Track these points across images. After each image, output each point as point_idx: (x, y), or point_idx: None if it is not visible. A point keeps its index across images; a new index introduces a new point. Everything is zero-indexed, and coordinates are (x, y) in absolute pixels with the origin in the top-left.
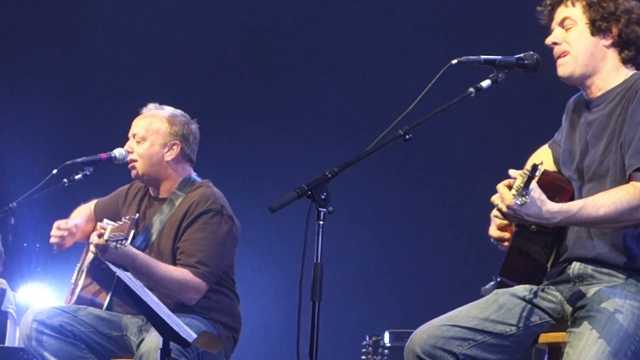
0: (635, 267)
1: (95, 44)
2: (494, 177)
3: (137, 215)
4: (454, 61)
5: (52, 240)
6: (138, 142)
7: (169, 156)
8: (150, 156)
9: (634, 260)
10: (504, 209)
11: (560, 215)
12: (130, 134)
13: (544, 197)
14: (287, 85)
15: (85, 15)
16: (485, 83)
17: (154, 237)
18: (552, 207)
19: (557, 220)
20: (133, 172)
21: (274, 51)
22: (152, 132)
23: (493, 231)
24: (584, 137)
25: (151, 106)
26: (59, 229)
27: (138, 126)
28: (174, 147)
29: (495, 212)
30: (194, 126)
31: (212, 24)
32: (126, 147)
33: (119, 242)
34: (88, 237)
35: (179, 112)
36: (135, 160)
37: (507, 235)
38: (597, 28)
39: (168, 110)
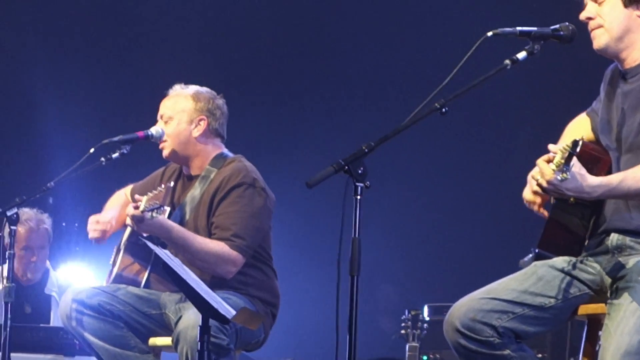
0: None
1: (134, 22)
2: (532, 150)
3: (172, 183)
4: (490, 33)
5: (92, 235)
6: (166, 122)
7: (196, 132)
8: (178, 134)
9: None
10: (544, 184)
11: (601, 189)
12: (158, 116)
13: (584, 171)
14: (322, 59)
15: None
16: (521, 55)
17: (188, 214)
18: (592, 182)
19: (597, 194)
20: (164, 153)
21: (309, 25)
22: (178, 111)
23: (527, 194)
24: (621, 107)
25: (177, 87)
26: (98, 223)
27: (165, 107)
28: (201, 123)
29: (532, 181)
30: (221, 101)
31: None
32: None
33: (155, 210)
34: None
35: (204, 89)
36: (164, 141)
37: (539, 200)
38: (630, 0)
39: (192, 88)
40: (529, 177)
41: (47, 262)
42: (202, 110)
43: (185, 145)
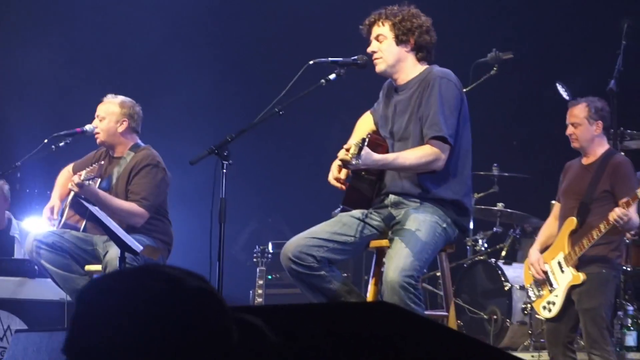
0: (429, 197)
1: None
2: (340, 140)
3: (102, 162)
4: (311, 62)
5: (45, 218)
6: (100, 120)
7: (120, 128)
8: (108, 129)
9: (428, 192)
10: (347, 164)
11: (381, 162)
12: (95, 115)
13: (371, 152)
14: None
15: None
16: (332, 76)
17: (113, 182)
18: (376, 157)
19: (379, 164)
20: (98, 140)
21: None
22: (109, 113)
23: (330, 179)
24: (394, 111)
25: (109, 96)
26: (50, 219)
27: (100, 110)
28: (124, 123)
29: (333, 170)
30: (138, 108)
31: None
32: (93, 123)
33: (91, 180)
34: (69, 192)
35: (127, 99)
36: (98, 133)
37: (339, 185)
38: (400, 40)
39: (120, 98)
40: (332, 167)
41: (10, 214)
42: (124, 114)
43: (112, 137)
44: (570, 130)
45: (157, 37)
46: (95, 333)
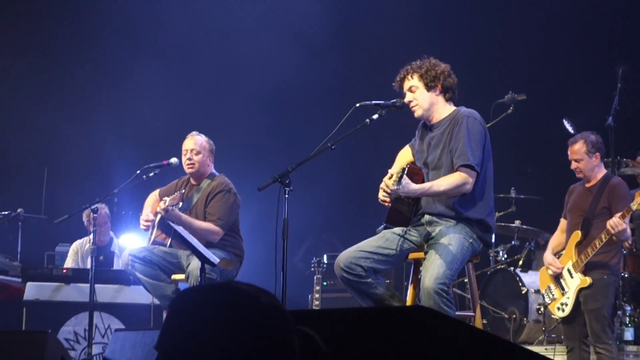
0: (459, 217)
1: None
2: (384, 166)
3: (183, 191)
4: (358, 104)
5: (142, 226)
6: (196, 154)
7: (209, 162)
8: (203, 161)
9: (458, 213)
10: (389, 192)
11: (419, 190)
12: (187, 148)
13: (410, 181)
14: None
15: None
16: (375, 116)
17: (192, 205)
18: (414, 187)
19: (417, 193)
20: (192, 170)
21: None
22: (203, 148)
23: (380, 197)
24: (428, 145)
25: (194, 132)
26: (146, 222)
27: (195, 144)
28: (211, 157)
29: (381, 191)
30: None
31: None
32: (188, 155)
33: (174, 205)
34: (156, 213)
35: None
36: (194, 163)
37: (387, 201)
38: (429, 87)
39: (204, 136)
40: (380, 187)
41: (112, 233)
42: (211, 151)
43: (204, 168)
44: (574, 165)
45: (230, 83)
46: (182, 336)
